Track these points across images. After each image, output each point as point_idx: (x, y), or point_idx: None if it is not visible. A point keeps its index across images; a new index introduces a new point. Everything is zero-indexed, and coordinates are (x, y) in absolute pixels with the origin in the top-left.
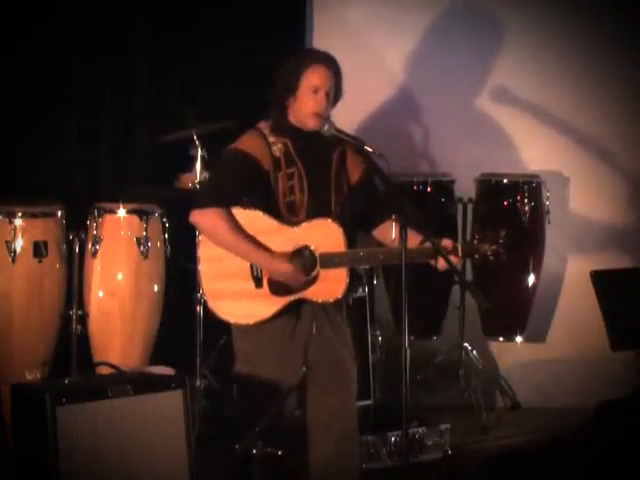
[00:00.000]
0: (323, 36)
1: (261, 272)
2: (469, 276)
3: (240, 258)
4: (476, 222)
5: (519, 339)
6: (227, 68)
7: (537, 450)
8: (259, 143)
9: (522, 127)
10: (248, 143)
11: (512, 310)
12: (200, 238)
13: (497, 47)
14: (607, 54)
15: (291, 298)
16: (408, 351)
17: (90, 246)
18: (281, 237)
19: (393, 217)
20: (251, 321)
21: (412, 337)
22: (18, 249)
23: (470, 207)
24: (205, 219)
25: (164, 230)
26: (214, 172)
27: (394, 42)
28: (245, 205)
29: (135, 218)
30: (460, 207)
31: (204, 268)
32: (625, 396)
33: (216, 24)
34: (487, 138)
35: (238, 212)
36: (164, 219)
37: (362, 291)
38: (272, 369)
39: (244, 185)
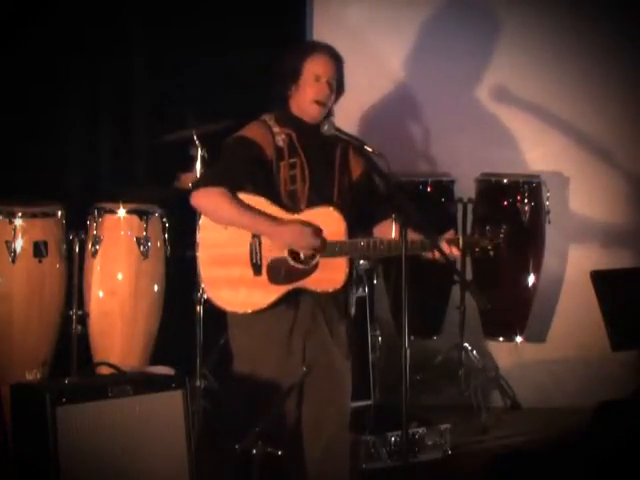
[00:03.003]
0: (323, 36)
1: (260, 259)
2: (469, 276)
3: (245, 231)
4: (476, 222)
5: (519, 339)
6: (227, 68)
7: (537, 450)
8: (263, 132)
9: (522, 127)
10: (252, 131)
11: (512, 310)
12: (200, 223)
13: (498, 47)
14: (607, 54)
15: (290, 287)
16: (408, 351)
17: (90, 246)
18: None
19: (393, 216)
20: (249, 310)
21: (412, 337)
22: (18, 249)
23: (470, 207)
24: (207, 197)
25: (164, 230)
26: (217, 158)
27: (394, 42)
28: (247, 192)
29: (135, 218)
30: (460, 207)
31: (203, 254)
32: (625, 396)
33: (216, 24)
34: (487, 138)
35: (241, 197)
36: (164, 219)
37: (362, 291)
38: (272, 367)
39: (247, 170)
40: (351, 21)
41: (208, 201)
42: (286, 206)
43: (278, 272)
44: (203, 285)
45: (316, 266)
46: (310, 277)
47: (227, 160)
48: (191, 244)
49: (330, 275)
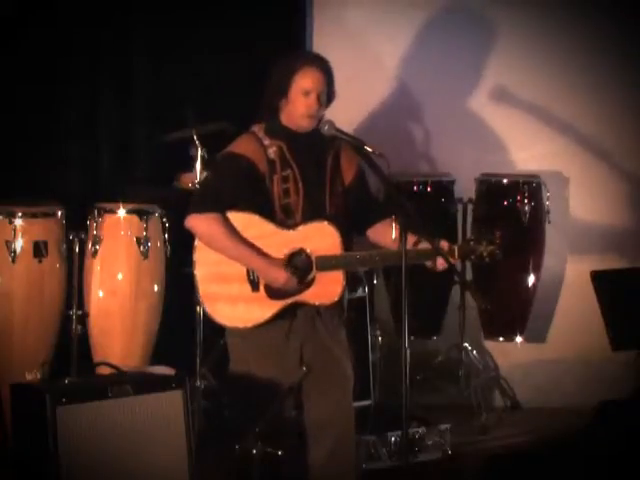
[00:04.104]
0: (323, 36)
1: (257, 276)
2: (469, 276)
3: (237, 262)
4: (476, 222)
5: (519, 339)
6: (227, 68)
7: (537, 450)
8: (254, 146)
9: (522, 127)
10: (243, 147)
11: (512, 310)
12: (196, 243)
13: (497, 48)
14: (607, 54)
15: (288, 301)
16: (408, 351)
17: (90, 246)
18: (277, 240)
19: (393, 218)
20: (249, 324)
21: (412, 337)
22: (18, 249)
23: (470, 207)
24: (201, 224)
25: (164, 230)
26: (209, 176)
27: (394, 42)
28: (241, 209)
29: (135, 218)
30: (460, 207)
31: (200, 272)
32: (625, 396)
33: (216, 24)
34: (487, 138)
35: (234, 216)
36: (164, 219)
37: (362, 291)
38: (270, 368)
39: (240, 189)
40: (351, 22)
41: (202, 230)
42: (280, 221)
43: (275, 288)
44: (202, 301)
45: (313, 280)
46: (307, 291)
47: (219, 180)
48: (188, 259)
49: (327, 288)
